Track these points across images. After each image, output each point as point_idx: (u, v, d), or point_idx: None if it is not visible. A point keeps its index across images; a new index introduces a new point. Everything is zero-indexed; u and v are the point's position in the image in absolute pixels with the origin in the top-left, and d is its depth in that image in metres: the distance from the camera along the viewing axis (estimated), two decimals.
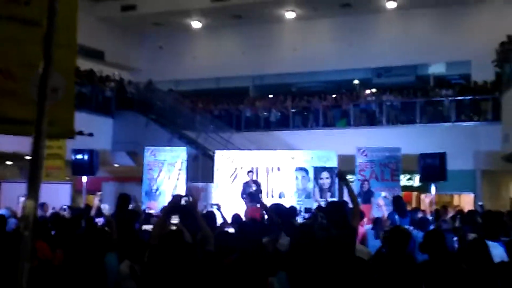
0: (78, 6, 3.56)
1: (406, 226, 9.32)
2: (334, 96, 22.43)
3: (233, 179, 16.53)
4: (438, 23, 23.03)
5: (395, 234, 5.49)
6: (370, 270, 5.25)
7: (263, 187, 16.01)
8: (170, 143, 19.13)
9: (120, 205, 8.92)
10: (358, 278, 5.11)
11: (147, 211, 12.65)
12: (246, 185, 14.99)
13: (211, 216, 7.45)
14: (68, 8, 3.30)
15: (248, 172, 15.60)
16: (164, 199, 16.40)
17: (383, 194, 13.58)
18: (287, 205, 8.68)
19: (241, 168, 16.62)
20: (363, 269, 5.27)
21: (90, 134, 10.28)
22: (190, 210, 5.33)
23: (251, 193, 13.42)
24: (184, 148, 17.75)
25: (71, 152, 15.19)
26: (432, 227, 9.71)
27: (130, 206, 10.26)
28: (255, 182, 15.20)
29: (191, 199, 5.30)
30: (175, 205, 5.32)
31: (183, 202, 5.31)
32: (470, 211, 13.41)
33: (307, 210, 10.52)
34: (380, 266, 5.29)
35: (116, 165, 21.71)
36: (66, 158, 16.35)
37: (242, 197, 14.46)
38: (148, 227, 7.34)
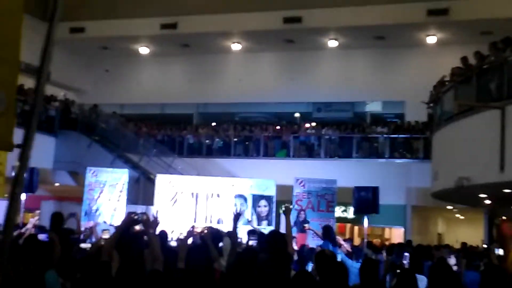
0: (22, 22, 3.43)
1: (339, 255, 9.40)
2: (275, 127, 22.64)
3: (173, 203, 16.36)
4: (376, 64, 23.55)
5: (320, 258, 5.55)
6: None
7: (202, 213, 15.93)
8: (112, 165, 18.77)
9: (54, 223, 8.66)
10: None
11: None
12: None
13: (162, 235, 7.32)
14: (11, 23, 3.20)
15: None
16: (103, 220, 16.05)
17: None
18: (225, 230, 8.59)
19: (182, 192, 16.47)
20: None
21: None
22: (144, 227, 5.25)
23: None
24: (126, 170, 17.48)
25: (10, 169, 14.66)
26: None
27: (73, 224, 9.97)
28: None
29: (145, 216, 5.19)
30: (129, 221, 5.21)
31: (137, 217, 5.20)
32: (400, 244, 13.68)
33: (250, 233, 10.42)
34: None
35: (56, 184, 21.13)
36: (6, 175, 15.79)
37: None
38: (85, 245, 7.09)
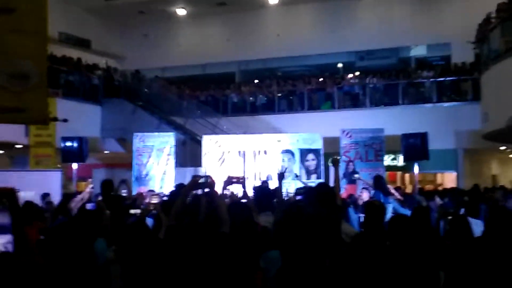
0: None
1: (391, 204, 9.29)
2: (318, 79, 22.32)
3: (221, 163, 16.44)
4: (419, 7, 22.92)
5: (370, 208, 5.43)
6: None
7: (250, 170, 16.01)
8: (158, 129, 18.94)
9: (104, 191, 8.81)
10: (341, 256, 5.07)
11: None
12: None
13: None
14: None
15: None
16: (154, 184, 16.30)
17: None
18: (273, 187, 8.57)
19: (229, 152, 16.52)
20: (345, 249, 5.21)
21: (65, 120, 10.02)
22: (209, 189, 5.27)
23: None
24: (172, 133, 17.58)
25: (60, 140, 14.96)
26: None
27: (124, 191, 10.08)
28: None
29: (209, 179, 5.21)
30: (194, 184, 5.23)
31: (202, 180, 5.22)
32: (453, 189, 13.43)
33: (297, 189, 10.31)
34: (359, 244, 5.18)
35: (106, 151, 21.51)
36: (56, 146, 16.14)
37: None
38: (134, 211, 7.16)
